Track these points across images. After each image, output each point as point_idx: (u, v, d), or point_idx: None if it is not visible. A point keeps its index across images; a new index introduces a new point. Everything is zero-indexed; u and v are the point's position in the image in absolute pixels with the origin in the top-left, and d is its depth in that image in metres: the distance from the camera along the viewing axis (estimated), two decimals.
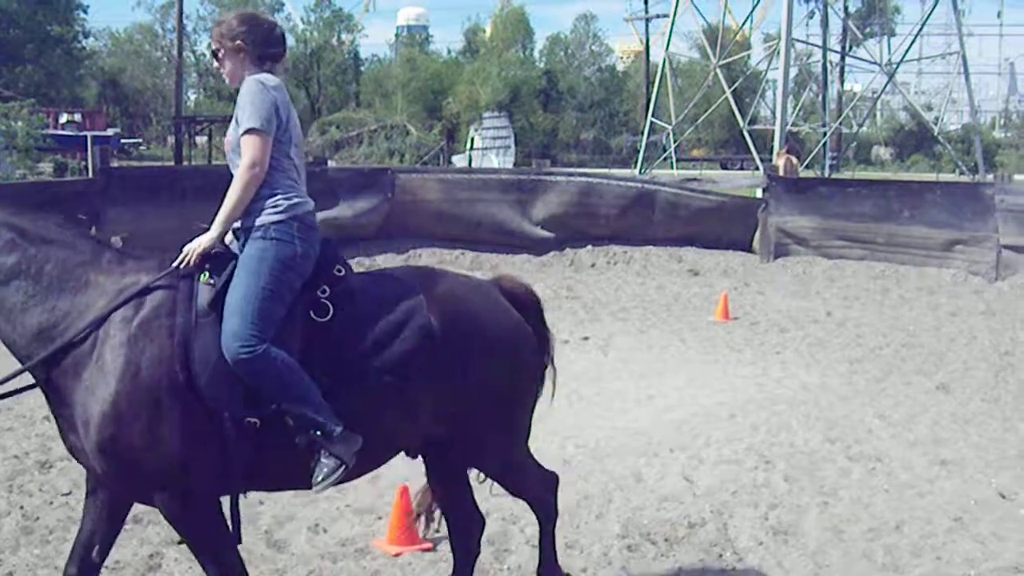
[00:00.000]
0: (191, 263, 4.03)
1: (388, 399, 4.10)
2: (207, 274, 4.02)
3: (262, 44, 4.27)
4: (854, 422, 8.39)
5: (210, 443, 3.85)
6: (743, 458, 7.37)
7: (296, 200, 4.19)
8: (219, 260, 4.08)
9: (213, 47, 4.35)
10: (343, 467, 3.93)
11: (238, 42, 4.25)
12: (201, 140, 57.72)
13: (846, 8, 57.34)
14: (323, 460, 3.93)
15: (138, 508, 5.90)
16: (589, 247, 18.60)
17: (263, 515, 6.09)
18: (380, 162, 44.83)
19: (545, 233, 18.61)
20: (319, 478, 3.94)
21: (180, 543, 5.61)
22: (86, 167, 31.46)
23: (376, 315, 4.14)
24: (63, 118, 45.97)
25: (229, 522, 4.05)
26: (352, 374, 4.04)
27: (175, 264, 4.04)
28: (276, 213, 4.13)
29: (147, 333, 3.87)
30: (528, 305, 4.72)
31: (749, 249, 18.91)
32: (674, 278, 17.13)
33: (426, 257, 17.58)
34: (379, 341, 4.08)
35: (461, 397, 4.25)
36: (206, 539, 4.05)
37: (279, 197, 4.15)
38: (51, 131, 36.13)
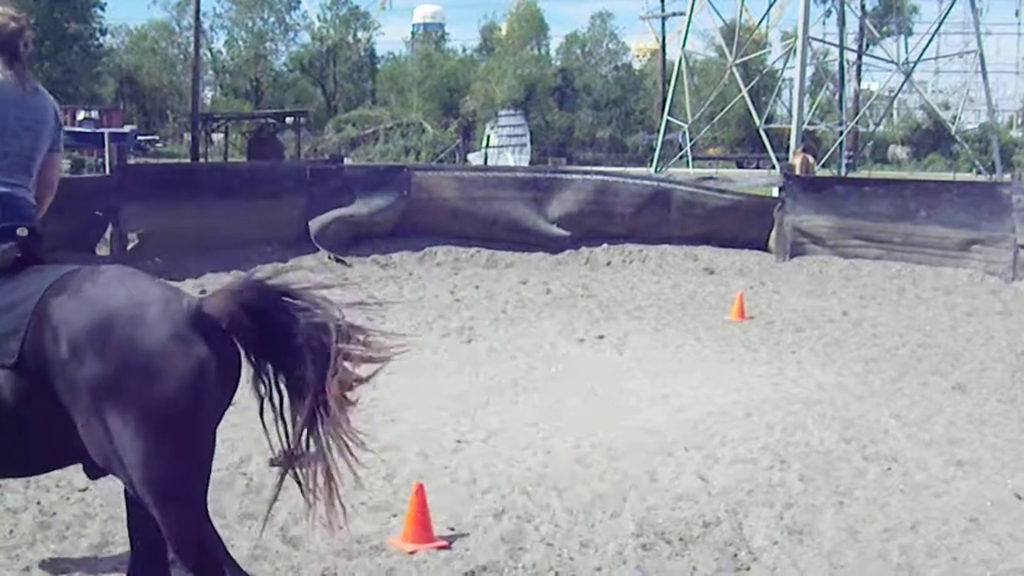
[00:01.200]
0: None
1: None
2: None
3: None
4: (870, 422, 8.36)
5: None
6: (758, 457, 7.35)
7: None
8: None
9: None
10: None
11: None
12: (217, 137, 58.02)
13: (863, 6, 57.23)
14: None
15: None
16: (605, 245, 18.58)
17: (279, 511, 6.07)
18: (396, 160, 45.03)
19: (561, 231, 18.60)
20: None
21: None
22: (103, 164, 31.67)
23: None
24: (80, 115, 46.24)
25: None
26: None
27: None
28: None
29: None
30: (248, 327, 3.74)
31: (765, 248, 18.86)
32: (690, 277, 17.10)
33: (442, 255, 17.64)
34: None
35: (79, 416, 3.59)
36: None
37: None
38: (69, 128, 36.28)
